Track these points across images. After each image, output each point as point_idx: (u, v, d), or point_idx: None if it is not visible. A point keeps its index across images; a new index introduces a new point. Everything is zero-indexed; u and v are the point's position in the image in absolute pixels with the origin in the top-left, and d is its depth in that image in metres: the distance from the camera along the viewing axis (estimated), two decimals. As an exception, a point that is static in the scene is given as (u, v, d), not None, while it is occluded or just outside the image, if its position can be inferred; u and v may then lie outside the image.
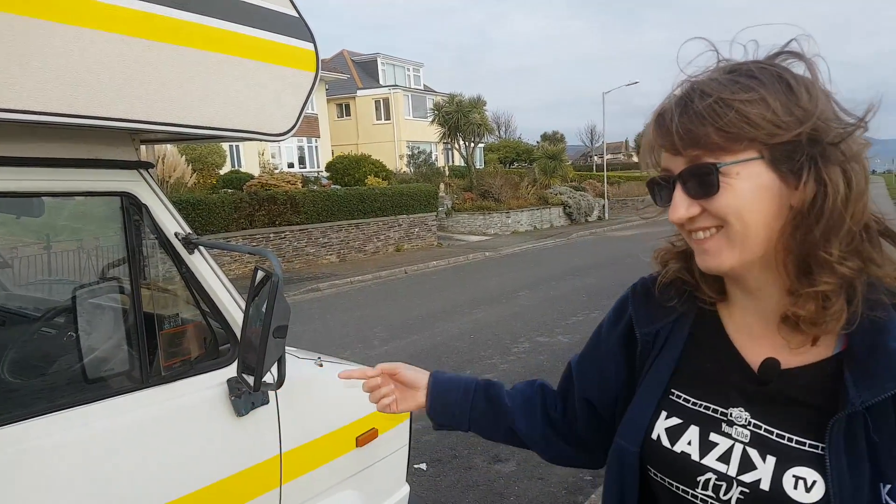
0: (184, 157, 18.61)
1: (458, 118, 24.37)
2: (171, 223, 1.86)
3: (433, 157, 31.24)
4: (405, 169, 28.93)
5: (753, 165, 0.80)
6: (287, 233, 15.58)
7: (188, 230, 1.89)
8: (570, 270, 13.79)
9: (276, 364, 1.66)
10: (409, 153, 29.89)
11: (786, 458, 0.82)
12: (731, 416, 0.88)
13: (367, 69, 39.35)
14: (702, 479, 0.87)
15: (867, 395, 0.78)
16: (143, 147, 1.91)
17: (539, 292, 11.06)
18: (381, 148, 33.33)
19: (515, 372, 6.35)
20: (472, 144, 26.33)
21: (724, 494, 0.85)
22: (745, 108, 0.79)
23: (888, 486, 0.77)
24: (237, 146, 28.01)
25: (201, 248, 1.88)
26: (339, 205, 16.83)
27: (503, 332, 8.10)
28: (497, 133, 54.26)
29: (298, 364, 2.15)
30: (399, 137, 35.27)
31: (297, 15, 1.79)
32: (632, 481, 0.96)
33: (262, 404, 1.92)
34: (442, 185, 24.37)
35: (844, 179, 0.79)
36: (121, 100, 1.44)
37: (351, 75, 36.90)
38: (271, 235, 15.21)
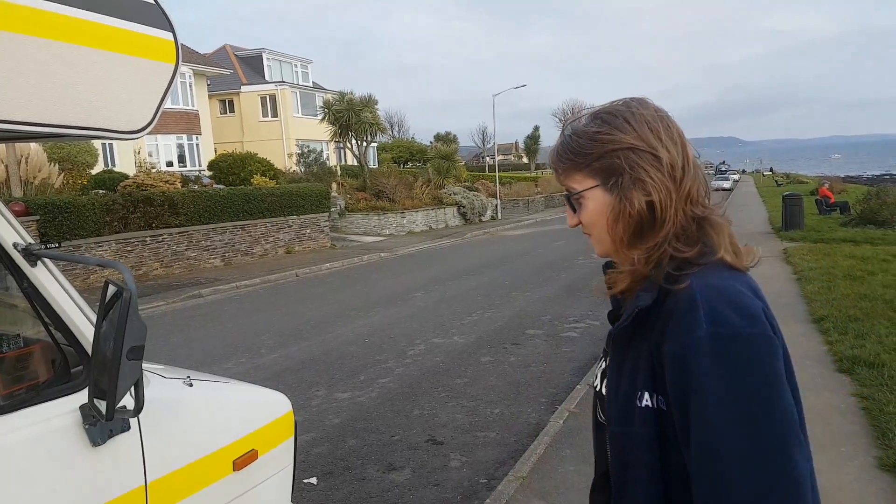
0: (46, 155, 17.02)
1: (350, 116, 23.99)
2: (9, 233, 1.63)
3: (324, 157, 30.55)
4: (295, 168, 28.09)
5: (596, 191, 1.08)
6: (165, 236, 14.63)
7: (29, 240, 1.66)
8: (465, 270, 13.97)
9: (134, 388, 1.48)
10: (299, 152, 29.05)
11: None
12: (605, 351, 1.21)
13: (252, 64, 37.81)
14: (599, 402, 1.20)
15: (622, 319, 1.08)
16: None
17: (435, 293, 11.10)
18: (269, 146, 32.18)
19: (411, 375, 6.29)
20: (365, 143, 26.03)
21: (599, 408, 1.19)
22: (576, 143, 1.09)
23: (637, 393, 1.03)
24: (110, 144, 26.01)
25: (45, 259, 1.66)
26: (222, 205, 16.03)
27: (398, 334, 8.03)
28: (390, 133, 54.12)
29: (165, 384, 1.96)
30: (288, 135, 34.20)
31: (152, 1, 1.62)
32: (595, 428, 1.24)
33: (123, 431, 1.72)
34: (334, 185, 23.90)
35: (645, 196, 1.03)
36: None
37: (234, 70, 35.30)
38: (147, 239, 14.23)
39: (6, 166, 14.50)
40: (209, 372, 6.81)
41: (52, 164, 16.54)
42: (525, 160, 76.91)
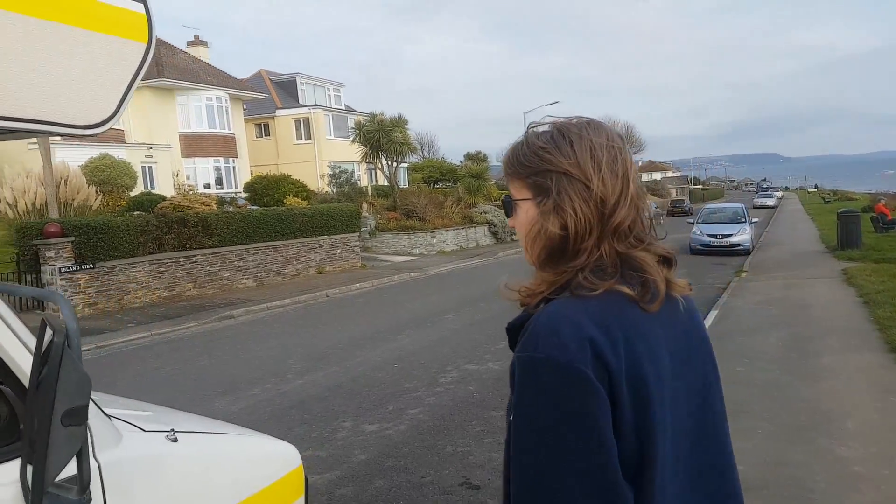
0: (85, 177, 17.29)
1: (380, 137, 23.90)
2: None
3: (356, 177, 30.57)
4: (327, 189, 28.14)
5: (528, 203, 1.08)
6: (199, 256, 14.56)
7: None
8: (498, 290, 13.49)
9: (76, 460, 1.12)
10: (331, 173, 29.12)
11: None
12: None
13: (287, 89, 38.30)
14: None
15: None
16: None
17: (466, 315, 10.67)
18: (302, 168, 32.38)
19: (443, 405, 5.86)
20: (396, 164, 25.91)
21: None
22: (522, 153, 1.09)
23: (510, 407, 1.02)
24: (150, 166, 26.43)
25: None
26: (255, 226, 15.95)
27: (429, 360, 7.62)
28: (421, 153, 54.10)
29: (142, 439, 1.60)
30: (320, 157, 34.39)
31: (116, -39, 1.29)
32: None
33: (81, 504, 1.36)
34: (365, 205, 23.77)
35: (560, 224, 1.02)
36: None
37: (270, 95, 35.78)
38: (181, 260, 14.18)
39: (45, 188, 14.69)
40: (233, 399, 6.46)
41: (90, 187, 16.76)
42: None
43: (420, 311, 11.37)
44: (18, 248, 12.06)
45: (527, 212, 1.08)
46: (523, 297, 1.10)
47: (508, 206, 1.13)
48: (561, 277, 1.04)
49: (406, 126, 25.00)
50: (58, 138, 22.88)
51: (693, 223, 20.65)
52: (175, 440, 1.66)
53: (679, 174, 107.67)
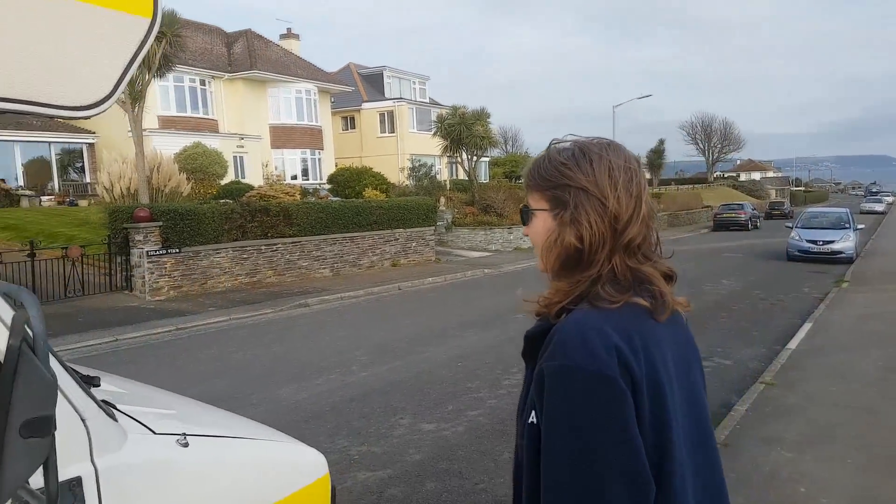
0: (177, 165, 18.20)
1: (462, 130, 23.79)
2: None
3: (435, 171, 30.64)
4: (406, 182, 28.38)
5: (545, 214, 1.16)
6: (279, 245, 15.01)
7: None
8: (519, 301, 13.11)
9: (43, 471, 1.03)
10: (410, 166, 29.33)
11: None
12: None
13: (373, 82, 38.96)
14: None
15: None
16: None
17: (537, 314, 10.39)
18: (384, 161, 32.84)
19: (504, 409, 5.67)
20: (476, 157, 25.75)
21: None
22: (544, 167, 1.17)
23: (528, 411, 1.09)
24: (241, 156, 27.57)
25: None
26: (333, 217, 16.27)
27: (494, 360, 7.43)
28: (503, 147, 53.67)
29: (149, 443, 1.52)
30: (402, 150, 34.76)
31: (116, -72, 1.18)
32: None
33: (75, 511, 1.29)
34: (442, 199, 23.79)
35: (576, 235, 1.10)
36: None
37: (356, 88, 36.51)
38: (263, 247, 14.66)
39: (137, 174, 15.54)
40: (298, 388, 6.49)
41: (181, 174, 17.62)
42: (648, 175, 73.36)
43: (490, 308, 11.18)
44: (110, 231, 12.80)
45: (543, 222, 1.15)
46: (541, 306, 1.14)
47: (525, 215, 1.20)
48: (575, 288, 1.10)
49: (488, 120, 24.79)
50: (154, 125, 24.28)
51: (791, 227, 19.38)
52: (186, 445, 1.57)
53: (780, 175, 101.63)
